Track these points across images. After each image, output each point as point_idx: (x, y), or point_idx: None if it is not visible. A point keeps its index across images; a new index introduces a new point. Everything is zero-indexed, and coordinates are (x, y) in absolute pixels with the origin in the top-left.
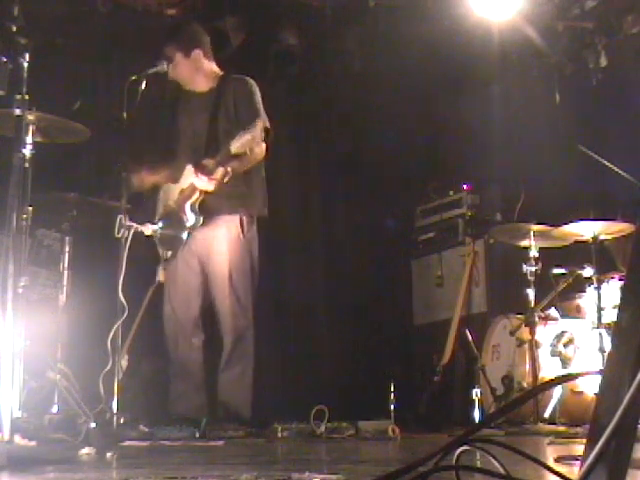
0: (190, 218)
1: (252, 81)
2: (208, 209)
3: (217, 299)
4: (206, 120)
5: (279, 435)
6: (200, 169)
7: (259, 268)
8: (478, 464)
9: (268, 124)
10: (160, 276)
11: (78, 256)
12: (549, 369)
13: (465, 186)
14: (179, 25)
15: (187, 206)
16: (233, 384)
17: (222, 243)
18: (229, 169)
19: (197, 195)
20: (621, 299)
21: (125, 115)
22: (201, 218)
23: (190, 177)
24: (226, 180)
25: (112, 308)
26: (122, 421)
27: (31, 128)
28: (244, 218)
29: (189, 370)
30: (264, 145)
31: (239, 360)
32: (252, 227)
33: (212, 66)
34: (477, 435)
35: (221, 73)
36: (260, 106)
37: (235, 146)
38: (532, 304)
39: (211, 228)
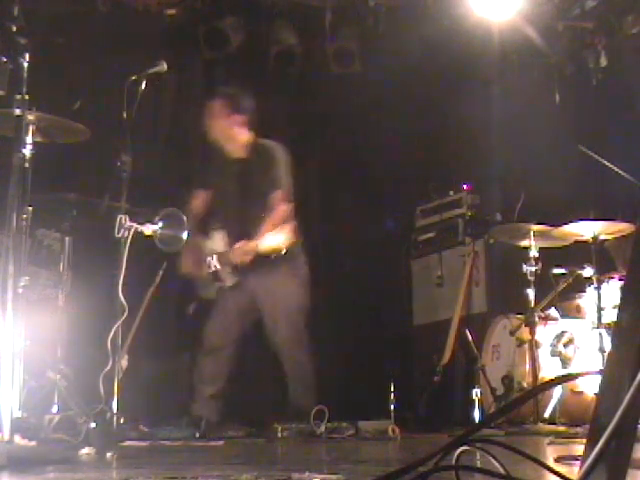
0: (231, 280)
1: (279, 149)
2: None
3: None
4: (236, 189)
5: (279, 435)
6: (234, 250)
7: None
8: (478, 464)
9: (288, 191)
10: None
11: (78, 256)
12: (549, 369)
13: (465, 186)
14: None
15: (226, 271)
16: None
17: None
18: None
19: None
20: (621, 299)
21: (125, 115)
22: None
23: (221, 244)
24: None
25: (112, 308)
26: (122, 421)
27: (31, 128)
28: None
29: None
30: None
31: None
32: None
33: (246, 135)
34: (477, 435)
35: (252, 140)
36: (282, 175)
37: (264, 246)
38: (532, 304)
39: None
